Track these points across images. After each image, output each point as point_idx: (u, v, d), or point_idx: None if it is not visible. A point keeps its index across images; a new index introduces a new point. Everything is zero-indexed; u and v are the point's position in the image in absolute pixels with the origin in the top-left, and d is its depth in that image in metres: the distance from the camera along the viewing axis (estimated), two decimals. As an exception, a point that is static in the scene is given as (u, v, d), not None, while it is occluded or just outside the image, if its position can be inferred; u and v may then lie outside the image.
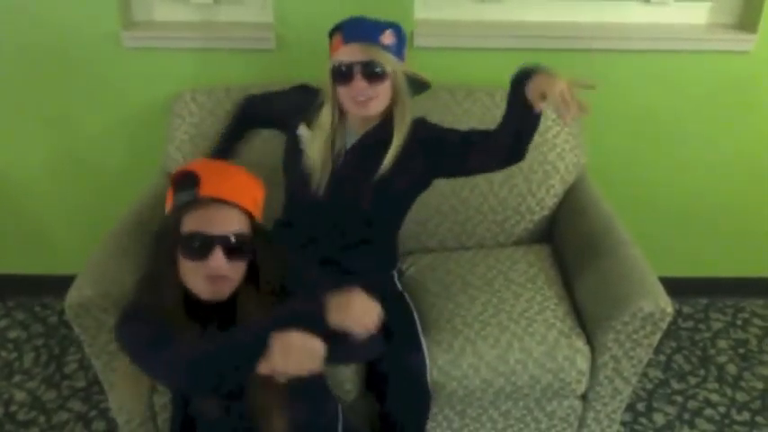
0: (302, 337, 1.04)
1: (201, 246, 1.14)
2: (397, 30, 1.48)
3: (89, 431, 1.95)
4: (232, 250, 1.15)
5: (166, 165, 1.96)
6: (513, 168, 1.94)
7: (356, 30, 1.45)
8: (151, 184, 1.92)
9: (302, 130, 1.58)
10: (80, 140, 2.19)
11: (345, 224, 1.63)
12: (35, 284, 2.44)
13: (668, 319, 1.54)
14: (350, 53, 1.42)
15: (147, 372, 1.18)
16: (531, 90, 1.35)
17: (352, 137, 1.58)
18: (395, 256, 1.80)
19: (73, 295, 1.49)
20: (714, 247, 2.43)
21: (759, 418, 2.02)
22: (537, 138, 1.93)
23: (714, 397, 2.10)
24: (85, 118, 2.14)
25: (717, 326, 2.39)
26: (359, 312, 1.09)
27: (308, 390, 1.33)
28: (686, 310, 2.46)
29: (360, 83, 1.42)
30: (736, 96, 2.15)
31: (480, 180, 1.96)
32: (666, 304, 1.52)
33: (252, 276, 1.23)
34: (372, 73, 1.42)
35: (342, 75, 1.43)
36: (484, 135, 1.54)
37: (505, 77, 2.07)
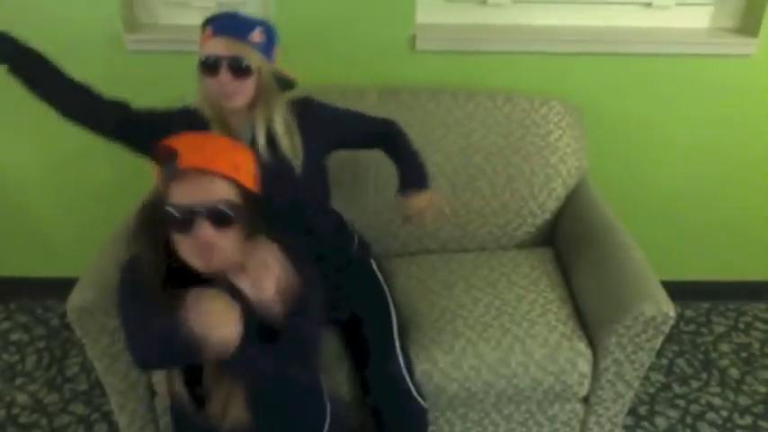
0: (214, 295, 1.07)
1: (185, 217, 1.12)
2: (268, 29, 1.51)
3: (91, 434, 1.95)
4: (218, 219, 1.12)
5: (169, 168, 1.96)
6: (515, 171, 1.96)
7: (227, 25, 1.48)
8: (153, 188, 1.91)
9: None
10: (82, 143, 2.18)
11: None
12: (37, 287, 2.44)
13: (670, 322, 1.54)
14: (217, 47, 1.45)
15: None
16: (404, 196, 1.63)
17: (243, 132, 1.57)
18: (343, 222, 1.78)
19: (74, 299, 1.50)
20: (716, 250, 2.42)
21: (762, 422, 2.02)
22: (539, 141, 1.96)
23: (716, 401, 2.09)
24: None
25: (719, 329, 2.39)
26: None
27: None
28: (688, 313, 2.46)
29: (225, 76, 1.45)
30: (737, 100, 2.15)
31: (482, 183, 1.96)
32: (669, 308, 1.52)
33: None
34: (238, 68, 1.45)
35: (209, 67, 1.46)
36: (382, 139, 1.69)
37: (508, 81, 2.11)
